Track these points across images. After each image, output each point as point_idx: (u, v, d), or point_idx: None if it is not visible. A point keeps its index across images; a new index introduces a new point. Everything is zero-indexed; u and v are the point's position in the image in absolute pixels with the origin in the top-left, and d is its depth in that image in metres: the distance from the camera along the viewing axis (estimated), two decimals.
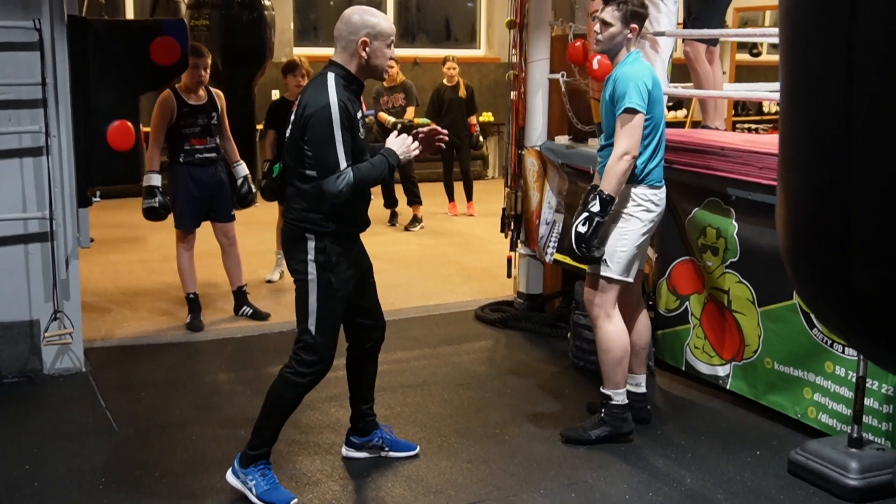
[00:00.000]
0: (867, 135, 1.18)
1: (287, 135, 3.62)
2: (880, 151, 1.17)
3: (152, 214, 5.73)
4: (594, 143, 5.51)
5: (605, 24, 4.09)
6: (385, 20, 3.60)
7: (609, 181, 4.02)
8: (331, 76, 3.52)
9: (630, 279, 4.20)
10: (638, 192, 4.13)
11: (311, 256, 3.57)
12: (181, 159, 5.78)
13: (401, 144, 3.68)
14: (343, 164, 3.44)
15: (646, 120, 4.05)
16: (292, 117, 3.58)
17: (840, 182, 1.22)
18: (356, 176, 3.47)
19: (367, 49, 3.53)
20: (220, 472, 3.80)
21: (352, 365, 3.99)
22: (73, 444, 4.18)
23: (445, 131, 3.93)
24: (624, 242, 4.13)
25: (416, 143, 3.74)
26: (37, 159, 4.86)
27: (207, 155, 5.82)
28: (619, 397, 4.22)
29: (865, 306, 1.24)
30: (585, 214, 4.05)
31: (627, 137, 3.99)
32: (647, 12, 4.18)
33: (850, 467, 3.72)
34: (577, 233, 4.06)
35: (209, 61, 5.81)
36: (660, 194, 4.20)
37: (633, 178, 4.10)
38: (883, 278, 1.20)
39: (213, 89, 5.97)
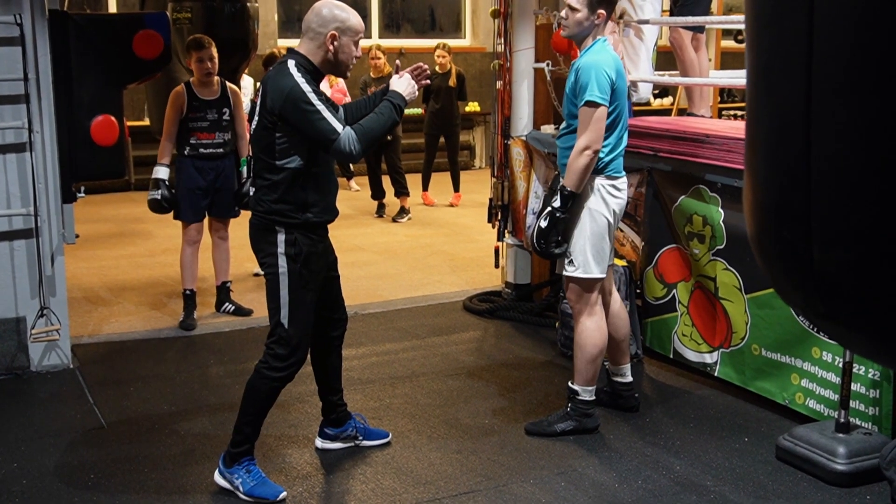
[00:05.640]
0: (825, 118, 1.22)
1: (253, 126, 3.60)
2: (838, 135, 1.21)
3: (156, 207, 5.71)
4: None
5: (572, 10, 4.00)
6: (355, 16, 3.57)
7: (570, 176, 3.95)
8: (291, 63, 3.51)
9: (601, 274, 4.10)
10: (597, 183, 4.04)
11: (281, 249, 3.55)
12: (186, 152, 5.75)
13: (406, 85, 3.68)
14: (339, 127, 3.44)
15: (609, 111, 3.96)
16: (258, 108, 3.56)
17: (800, 164, 1.26)
18: (360, 132, 3.47)
19: (335, 43, 3.51)
20: (210, 466, 3.80)
21: (317, 357, 3.99)
22: (62, 441, 4.17)
23: (426, 66, 3.86)
24: (591, 241, 4.05)
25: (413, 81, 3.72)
26: (20, 155, 4.83)
27: (213, 150, 5.78)
28: (586, 394, 4.20)
29: (827, 288, 1.27)
30: (547, 209, 4.01)
31: (589, 132, 3.90)
32: None
33: (837, 452, 3.74)
34: (539, 228, 4.03)
35: (214, 51, 5.73)
36: (619, 184, 4.10)
37: (594, 169, 4.02)
38: (841, 259, 1.23)
39: (229, 84, 5.92)
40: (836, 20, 1.17)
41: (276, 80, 3.48)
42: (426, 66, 3.83)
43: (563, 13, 4.08)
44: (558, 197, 3.98)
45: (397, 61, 3.85)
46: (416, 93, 3.73)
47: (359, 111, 3.79)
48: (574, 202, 4.00)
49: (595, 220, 4.06)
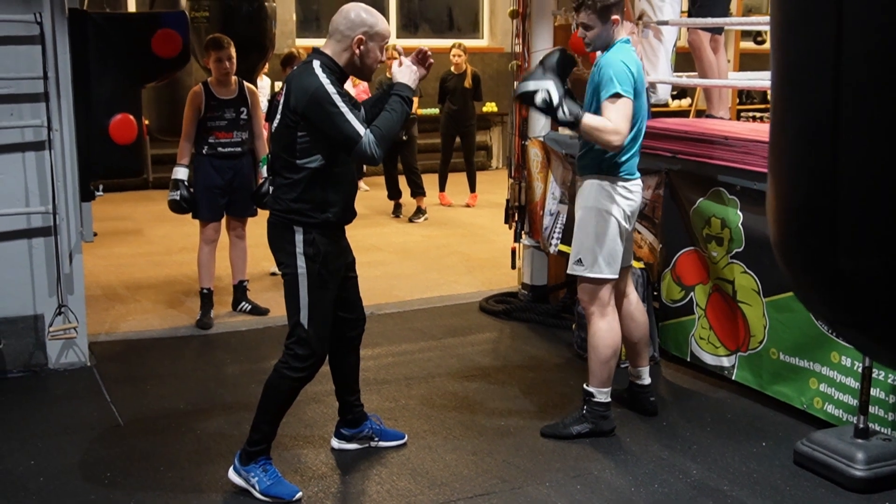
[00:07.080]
0: (854, 122, 1.19)
1: (275, 125, 3.59)
2: (866, 139, 1.18)
3: (175, 207, 5.73)
4: None
5: (587, 27, 4.01)
6: (382, 22, 3.58)
7: (590, 122, 3.86)
8: (316, 63, 3.51)
9: (613, 275, 4.09)
10: (609, 185, 4.03)
11: (299, 249, 3.56)
12: (204, 151, 5.76)
13: (408, 73, 3.65)
14: (361, 130, 3.44)
15: None
16: (280, 107, 3.56)
17: (826, 169, 1.23)
18: (378, 134, 3.47)
19: (362, 48, 3.52)
20: (226, 465, 3.80)
21: (334, 357, 3.98)
22: (79, 438, 4.19)
23: (427, 48, 3.77)
24: (600, 241, 4.05)
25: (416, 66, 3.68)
26: (39, 153, 4.85)
27: (231, 149, 5.79)
28: (601, 396, 4.18)
29: (852, 295, 1.23)
30: (558, 102, 3.88)
31: (619, 119, 3.86)
32: None
33: (856, 458, 3.71)
34: (540, 99, 3.91)
35: (232, 52, 5.75)
36: (632, 186, 4.08)
37: (607, 170, 4.02)
38: (868, 266, 1.20)
39: (246, 84, 5.93)
40: (866, 20, 1.14)
41: (301, 80, 3.48)
42: (426, 48, 3.75)
43: (580, 34, 4.07)
44: (566, 111, 3.87)
45: (398, 47, 3.82)
46: (418, 77, 3.67)
47: (372, 107, 3.79)
48: (568, 121, 3.90)
49: (606, 221, 4.05)
